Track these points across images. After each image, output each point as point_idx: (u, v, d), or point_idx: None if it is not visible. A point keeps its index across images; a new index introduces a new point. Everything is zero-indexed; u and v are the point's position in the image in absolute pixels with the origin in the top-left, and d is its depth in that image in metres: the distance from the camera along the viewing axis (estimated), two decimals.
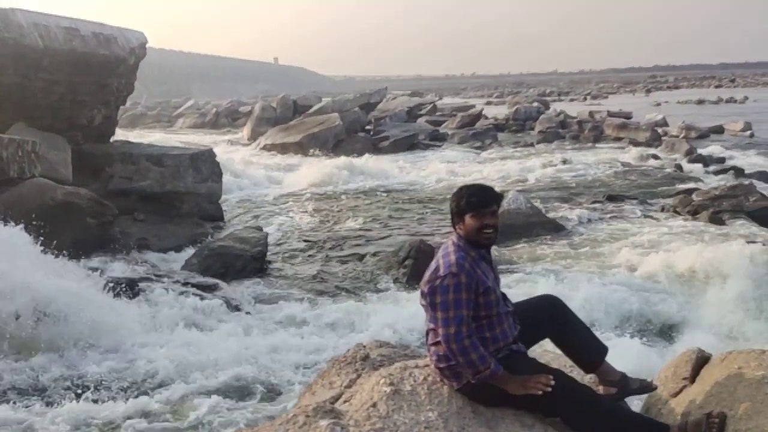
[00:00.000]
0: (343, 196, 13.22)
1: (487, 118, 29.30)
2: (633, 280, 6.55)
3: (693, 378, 2.64)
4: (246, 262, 7.99)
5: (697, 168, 15.49)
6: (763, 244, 6.97)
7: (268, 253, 8.59)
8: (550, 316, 2.53)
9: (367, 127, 23.71)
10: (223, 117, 34.40)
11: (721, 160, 16.66)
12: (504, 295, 2.53)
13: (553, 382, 2.24)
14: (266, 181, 15.14)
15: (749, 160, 16.80)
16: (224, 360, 5.28)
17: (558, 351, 2.59)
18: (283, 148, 19.86)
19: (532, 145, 21.38)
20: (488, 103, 47.49)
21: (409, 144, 21.09)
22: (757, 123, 24.96)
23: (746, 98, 45.01)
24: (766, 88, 65.46)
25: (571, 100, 53.68)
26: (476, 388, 2.36)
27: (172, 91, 67.53)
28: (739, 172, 14.46)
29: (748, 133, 23.19)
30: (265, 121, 24.78)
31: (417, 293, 6.55)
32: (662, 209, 10.96)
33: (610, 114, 28.35)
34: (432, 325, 2.45)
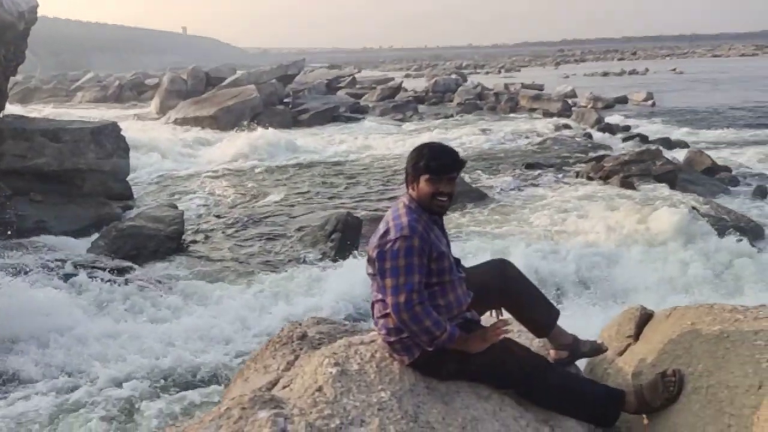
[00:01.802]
0: (263, 172, 12.69)
1: (406, 90, 29.29)
2: (562, 245, 6.65)
3: (637, 336, 2.59)
4: (160, 243, 7.46)
5: (605, 136, 16.21)
6: (687, 207, 7.29)
7: (185, 232, 8.07)
8: (501, 281, 2.39)
9: (286, 100, 22.96)
10: (127, 90, 32.21)
11: (627, 128, 17.53)
12: (457, 261, 2.35)
13: (509, 324, 2.11)
14: (180, 157, 14.26)
15: (652, 128, 17.79)
16: (141, 347, 4.85)
17: (508, 315, 2.45)
18: (195, 122, 18.82)
19: (452, 116, 21.56)
20: (407, 76, 47.48)
21: (329, 117, 20.63)
22: (658, 93, 26.54)
23: (647, 70, 47.82)
24: (665, 60, 69.91)
25: (487, 73, 54.78)
26: (429, 361, 2.18)
27: (67, 63, 62.57)
28: (644, 138, 15.26)
29: (650, 102, 24.62)
30: (175, 94, 23.39)
31: (347, 266, 6.42)
32: (577, 175, 11.34)
33: (524, 86, 29.17)
34: (380, 296, 2.23)
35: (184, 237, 7.93)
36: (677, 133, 16.48)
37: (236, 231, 8.44)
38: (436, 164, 2.20)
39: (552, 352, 2.46)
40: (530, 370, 2.18)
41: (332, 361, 2.13)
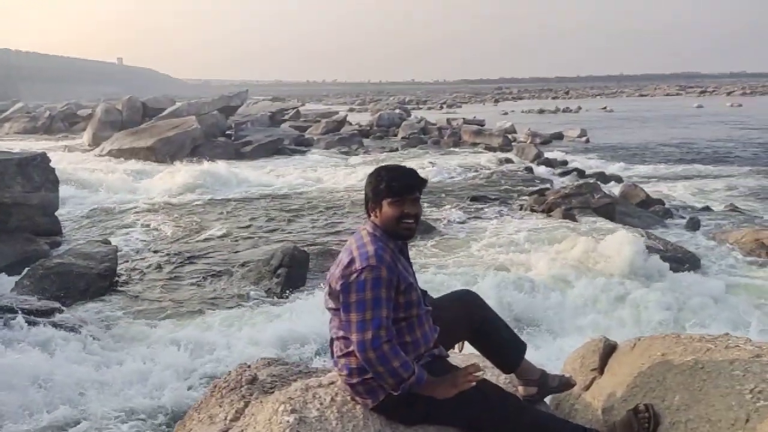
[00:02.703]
0: (204, 205, 12.24)
1: (351, 124, 29.43)
2: (510, 277, 6.62)
3: (602, 368, 2.52)
4: (91, 281, 6.95)
5: (545, 170, 16.71)
6: (636, 236, 7.44)
7: (119, 270, 7.58)
8: (467, 314, 2.25)
9: (228, 132, 22.54)
10: (58, 121, 30.82)
11: (565, 162, 18.18)
12: (424, 293, 2.20)
13: (482, 370, 1.97)
14: (114, 190, 13.58)
15: (588, 162, 18.51)
16: (68, 395, 4.40)
17: (474, 351, 2.31)
18: (132, 154, 18.12)
19: (397, 150, 21.74)
20: (351, 110, 47.85)
21: (273, 149, 20.35)
22: (591, 130, 27.80)
23: (580, 108, 50.16)
24: (595, 99, 73.67)
25: (429, 108, 55.96)
26: (395, 404, 2.00)
27: None
28: (581, 173, 15.84)
29: (584, 139, 25.71)
30: (110, 125, 22.57)
31: (295, 302, 6.14)
32: (521, 208, 11.55)
33: (466, 121, 29.92)
34: (341, 333, 2.05)
35: (117, 275, 7.44)
36: (611, 168, 17.19)
37: (175, 268, 8.00)
38: (398, 185, 2.07)
39: (520, 388, 2.34)
40: (503, 412, 2.04)
41: (288, 407, 1.92)
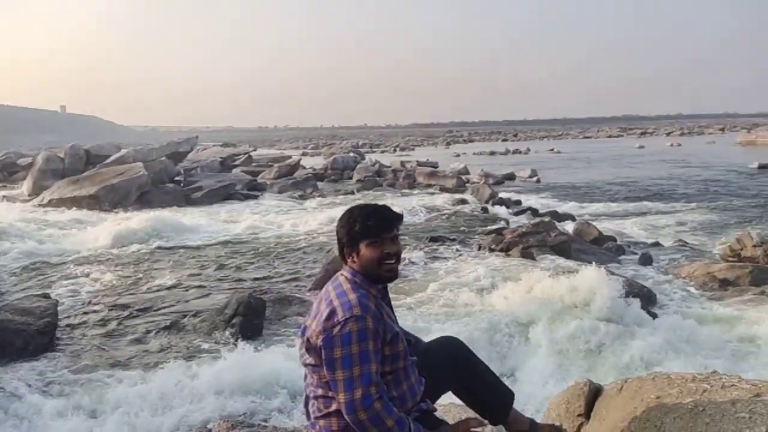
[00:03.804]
0: (151, 254, 11.68)
1: (305, 167, 29.31)
2: (475, 320, 6.45)
3: (588, 413, 2.36)
4: (29, 339, 6.40)
5: (500, 210, 16.93)
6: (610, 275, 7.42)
7: (60, 325, 7.03)
8: (451, 363, 2.07)
9: (177, 178, 21.98)
10: None
11: (519, 202, 18.52)
12: (416, 339, 2.01)
13: (485, 424, 1.77)
14: (54, 241, 12.85)
15: (541, 201, 18.93)
16: None
17: (459, 402, 2.11)
18: (73, 203, 17.34)
19: (352, 192, 21.66)
20: (304, 154, 47.85)
21: (225, 194, 19.92)
22: (541, 170, 28.61)
23: (529, 150, 51.84)
24: (543, 141, 76.48)
25: (382, 151, 56.66)
26: None
27: None
28: (534, 211, 16.12)
29: (535, 179, 26.42)
30: (51, 173, 21.66)
31: (252, 354, 5.78)
32: (479, 248, 11.54)
33: (420, 164, 30.31)
34: (319, 391, 1.83)
35: (58, 331, 6.89)
36: (564, 207, 17.59)
37: (121, 321, 7.48)
38: (374, 224, 1.92)
39: None
40: None
41: None
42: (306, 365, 1.91)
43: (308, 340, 1.87)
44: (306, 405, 1.95)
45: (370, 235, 1.91)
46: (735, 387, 1.98)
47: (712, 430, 1.86)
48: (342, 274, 1.95)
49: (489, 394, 2.12)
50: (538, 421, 2.34)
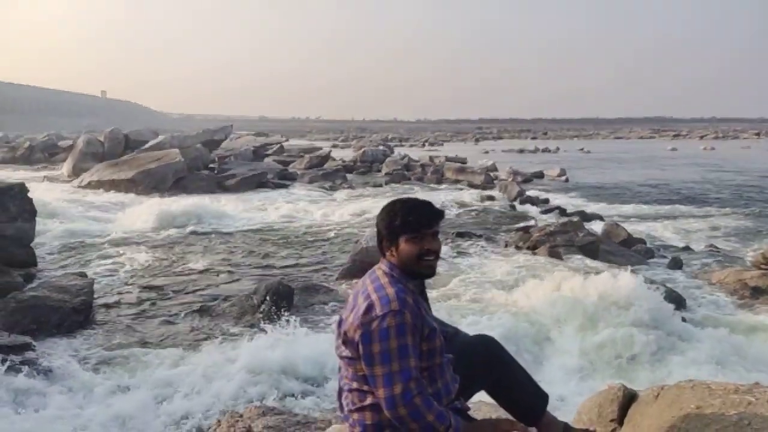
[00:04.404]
0: (185, 238, 11.98)
1: (335, 159, 29.48)
2: (500, 317, 6.47)
3: (621, 419, 2.33)
4: (65, 316, 6.66)
5: (528, 207, 16.83)
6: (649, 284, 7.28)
7: (95, 304, 7.30)
8: (486, 362, 2.08)
9: (211, 165, 22.40)
10: (38, 152, 30.40)
11: (546, 200, 18.35)
12: (455, 331, 2.06)
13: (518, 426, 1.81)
14: (93, 222, 13.28)
15: (569, 201, 18.71)
16: None
17: (490, 400, 2.16)
18: (112, 185, 17.84)
19: (381, 185, 21.75)
20: (334, 146, 48.11)
21: (257, 183, 20.22)
22: (570, 170, 28.24)
23: (558, 149, 51.14)
24: (573, 140, 75.33)
25: (411, 145, 56.52)
26: None
27: None
28: (562, 211, 15.97)
29: (564, 178, 26.10)
30: (91, 156, 22.27)
31: (280, 339, 5.93)
32: (506, 245, 11.52)
33: (448, 159, 30.19)
34: (354, 384, 1.86)
35: (93, 309, 7.15)
36: (592, 207, 17.36)
37: (153, 303, 7.73)
38: (415, 219, 1.92)
39: None
40: None
41: None
42: (342, 358, 1.93)
43: (345, 333, 1.89)
44: (339, 397, 1.97)
45: (410, 230, 1.91)
46: None
47: None
48: (380, 268, 1.97)
49: (523, 395, 2.11)
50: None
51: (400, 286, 1.88)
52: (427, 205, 1.98)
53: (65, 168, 23.01)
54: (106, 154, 22.44)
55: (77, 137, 27.57)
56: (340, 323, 1.95)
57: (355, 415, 1.88)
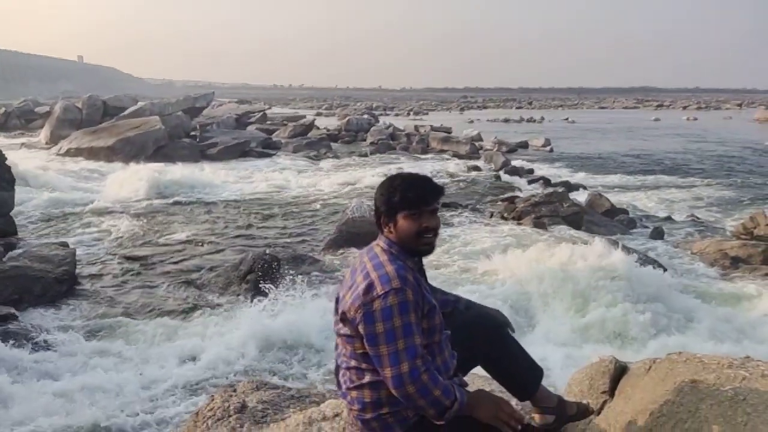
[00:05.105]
0: (167, 208, 11.82)
1: (319, 128, 29.14)
2: (489, 288, 6.52)
3: (612, 391, 2.34)
4: (47, 286, 6.58)
5: (513, 178, 16.83)
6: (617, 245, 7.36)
7: (78, 273, 7.20)
8: (483, 337, 2.06)
9: (193, 133, 22.00)
10: (14, 118, 29.61)
11: (531, 171, 18.37)
12: (456, 299, 2.03)
13: (524, 419, 1.80)
14: (72, 190, 13.04)
15: (553, 171, 18.76)
16: (25, 413, 4.08)
17: (483, 373, 2.15)
18: (91, 153, 17.49)
19: (366, 155, 21.59)
20: (318, 114, 47.52)
21: (240, 151, 19.94)
22: (555, 140, 28.26)
23: (543, 118, 51.06)
24: (557, 110, 75.23)
25: (396, 114, 56.04)
26: None
27: None
28: (547, 181, 16.00)
29: (548, 148, 26.11)
30: (68, 123, 21.75)
31: (268, 310, 5.91)
32: (491, 215, 11.55)
33: (434, 128, 29.99)
34: (353, 363, 1.83)
35: (76, 279, 7.06)
36: (576, 177, 17.46)
37: (136, 273, 7.65)
38: (414, 195, 1.86)
39: (536, 416, 2.17)
40: None
41: None
42: (340, 335, 1.90)
43: (343, 312, 1.86)
44: (336, 374, 1.95)
45: (409, 207, 1.86)
46: None
47: (755, 421, 1.79)
48: (378, 245, 1.92)
49: (518, 369, 2.11)
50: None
51: (400, 263, 1.84)
52: (427, 181, 1.92)
53: (42, 135, 22.47)
54: (84, 121, 21.92)
55: (54, 103, 26.86)
56: (337, 300, 1.91)
57: (354, 393, 1.87)
